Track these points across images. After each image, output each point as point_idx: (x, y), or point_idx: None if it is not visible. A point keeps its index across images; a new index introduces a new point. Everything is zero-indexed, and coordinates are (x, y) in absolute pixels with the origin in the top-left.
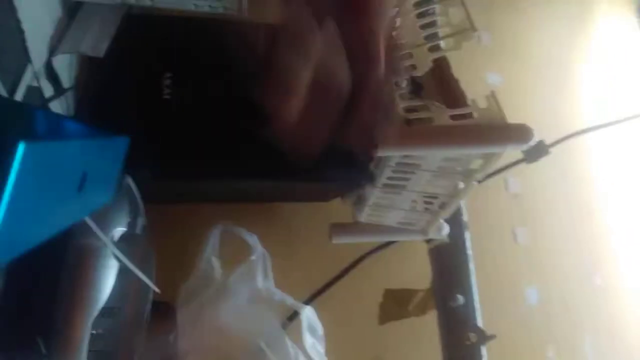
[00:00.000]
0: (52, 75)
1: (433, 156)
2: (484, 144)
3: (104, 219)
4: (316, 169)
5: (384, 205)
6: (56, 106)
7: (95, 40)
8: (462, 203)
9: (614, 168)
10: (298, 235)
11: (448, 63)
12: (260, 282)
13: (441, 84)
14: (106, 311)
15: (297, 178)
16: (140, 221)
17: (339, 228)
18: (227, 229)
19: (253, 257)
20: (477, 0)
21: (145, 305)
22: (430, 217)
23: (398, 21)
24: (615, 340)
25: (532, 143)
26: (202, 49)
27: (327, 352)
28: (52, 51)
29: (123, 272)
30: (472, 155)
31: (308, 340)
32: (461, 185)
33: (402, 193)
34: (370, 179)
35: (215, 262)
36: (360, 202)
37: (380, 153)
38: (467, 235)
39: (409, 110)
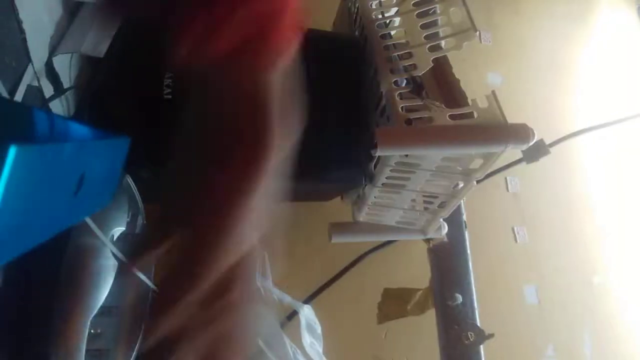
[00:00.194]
0: (52, 75)
1: (433, 156)
2: (483, 144)
3: (103, 219)
4: (316, 169)
5: (383, 204)
6: (56, 106)
7: (95, 40)
8: (462, 202)
9: (614, 168)
10: (297, 234)
11: (449, 63)
12: (258, 280)
13: (441, 84)
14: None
15: (297, 178)
16: (140, 221)
17: (338, 227)
18: None
19: None
20: (478, 0)
21: (144, 305)
22: (429, 216)
23: (397, 21)
24: (613, 338)
25: (531, 143)
26: None
27: (326, 351)
28: (53, 51)
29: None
30: (471, 155)
31: (307, 339)
32: (461, 184)
33: (401, 192)
34: (370, 178)
35: None
36: (359, 201)
37: (380, 152)
38: (467, 235)
39: (409, 110)
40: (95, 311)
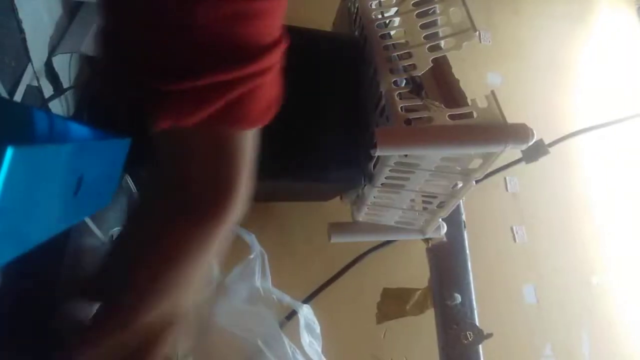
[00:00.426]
0: (52, 75)
1: (432, 156)
2: (483, 144)
3: (103, 219)
4: (315, 169)
5: (382, 204)
6: (56, 106)
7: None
8: (461, 202)
9: (613, 168)
10: (296, 234)
11: (448, 63)
12: (258, 281)
13: (441, 84)
14: None
15: (297, 178)
16: None
17: (338, 227)
18: None
19: (251, 256)
20: (477, 0)
21: None
22: (428, 216)
23: (397, 21)
24: (611, 338)
25: (531, 143)
26: None
27: (325, 351)
28: (52, 51)
29: None
30: (471, 154)
31: (306, 339)
32: (460, 184)
33: (400, 192)
34: (369, 178)
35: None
36: (359, 201)
37: (380, 152)
38: (466, 235)
39: (409, 110)
40: (95, 311)
